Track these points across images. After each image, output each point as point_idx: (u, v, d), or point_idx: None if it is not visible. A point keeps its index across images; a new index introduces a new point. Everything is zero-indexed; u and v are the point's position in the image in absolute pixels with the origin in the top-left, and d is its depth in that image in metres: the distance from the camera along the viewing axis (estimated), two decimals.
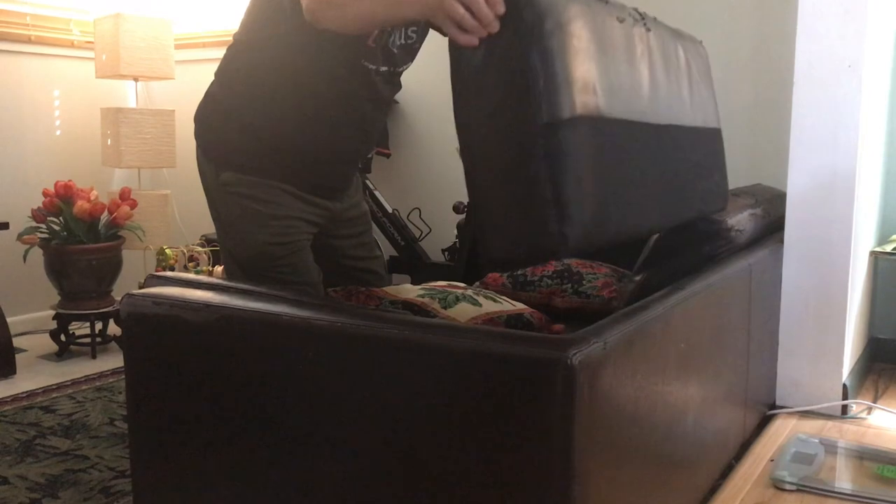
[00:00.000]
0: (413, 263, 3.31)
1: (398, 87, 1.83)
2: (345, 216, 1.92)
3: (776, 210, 2.34)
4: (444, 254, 3.32)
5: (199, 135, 1.87)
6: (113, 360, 3.24)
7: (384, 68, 1.72)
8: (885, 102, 2.74)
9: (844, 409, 2.35)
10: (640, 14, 1.52)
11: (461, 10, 1.21)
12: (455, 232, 3.10)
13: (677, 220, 1.62)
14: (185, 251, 3.38)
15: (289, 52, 1.65)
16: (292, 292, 1.52)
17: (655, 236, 1.83)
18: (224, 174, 1.79)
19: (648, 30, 1.51)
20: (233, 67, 1.78)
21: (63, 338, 3.32)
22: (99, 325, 3.36)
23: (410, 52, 1.80)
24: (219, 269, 3.39)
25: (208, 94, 1.86)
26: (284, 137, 1.72)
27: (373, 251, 2.04)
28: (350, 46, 1.63)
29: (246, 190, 1.76)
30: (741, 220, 2.01)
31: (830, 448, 2.07)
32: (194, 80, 4.10)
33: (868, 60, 2.28)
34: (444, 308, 1.54)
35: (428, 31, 1.80)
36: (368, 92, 1.73)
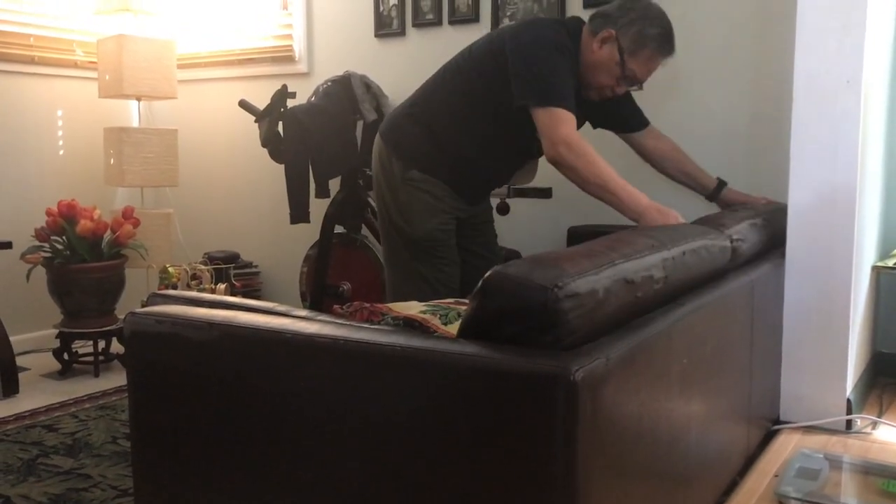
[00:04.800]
0: None
1: None
2: (475, 220, 2.51)
3: (777, 221, 2.34)
4: None
5: (393, 139, 2.38)
6: (115, 379, 3.24)
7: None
8: (885, 117, 2.75)
9: (849, 423, 2.34)
10: None
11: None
12: None
13: None
14: (187, 269, 3.39)
15: (479, 110, 2.25)
16: (291, 308, 1.52)
17: None
18: (411, 171, 2.32)
19: None
20: (438, 98, 2.33)
21: (66, 356, 3.32)
22: (102, 344, 3.36)
23: None
24: (221, 286, 3.39)
25: (408, 114, 2.38)
26: (461, 156, 2.29)
27: (491, 250, 2.58)
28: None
29: (426, 186, 2.32)
30: (741, 230, 2.01)
31: (835, 463, 2.06)
32: (197, 100, 4.14)
33: (867, 76, 2.29)
34: (445, 324, 1.55)
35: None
36: (522, 154, 2.40)
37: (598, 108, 2.38)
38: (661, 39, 2.19)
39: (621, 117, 2.50)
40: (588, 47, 2.22)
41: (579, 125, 2.38)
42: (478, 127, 2.25)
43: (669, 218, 2.02)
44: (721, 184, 2.52)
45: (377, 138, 2.45)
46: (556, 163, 2.11)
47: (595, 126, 2.52)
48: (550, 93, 2.11)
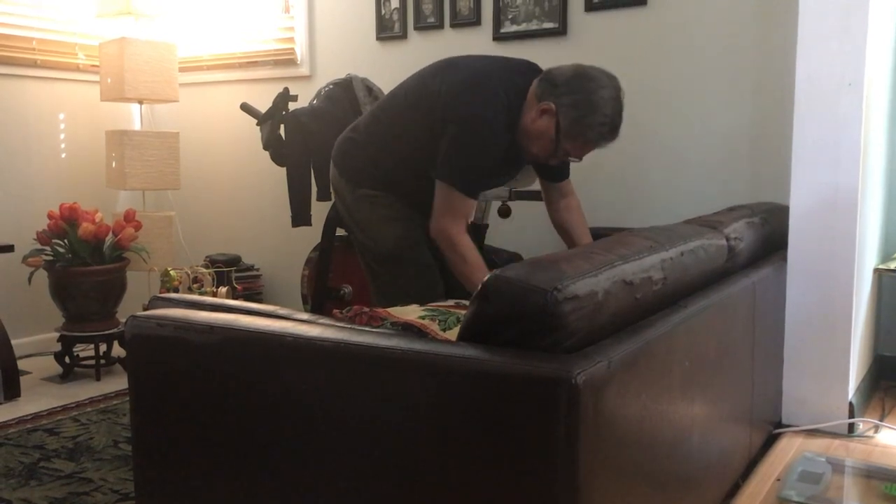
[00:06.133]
0: None
1: None
2: None
3: (775, 220, 2.34)
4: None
5: (340, 163, 2.43)
6: (117, 382, 3.24)
7: None
8: (886, 119, 2.75)
9: (851, 427, 2.34)
10: None
11: None
12: None
13: None
14: (189, 272, 3.39)
15: (414, 146, 2.24)
16: (293, 312, 1.52)
17: None
18: (360, 189, 2.36)
19: None
20: (377, 128, 2.34)
21: (67, 360, 3.32)
22: (103, 347, 3.36)
23: (511, 178, 2.43)
24: (223, 290, 3.39)
25: (352, 139, 2.41)
26: (402, 183, 2.31)
27: None
28: None
29: (378, 199, 2.34)
30: (738, 229, 2.01)
31: (837, 466, 2.06)
32: (198, 103, 4.14)
33: (868, 78, 2.28)
34: (444, 330, 1.55)
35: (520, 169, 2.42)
36: None
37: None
38: (601, 131, 2.06)
39: (550, 169, 2.40)
40: (529, 110, 2.12)
41: (514, 171, 2.37)
42: (413, 159, 2.23)
43: None
44: None
45: (331, 164, 2.47)
46: (438, 246, 2.21)
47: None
48: (459, 178, 2.13)
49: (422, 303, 2.13)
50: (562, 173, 2.43)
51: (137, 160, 3.60)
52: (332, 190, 2.48)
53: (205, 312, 1.53)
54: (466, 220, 2.19)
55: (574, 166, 2.43)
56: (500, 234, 3.12)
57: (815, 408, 2.37)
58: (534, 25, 3.17)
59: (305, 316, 1.49)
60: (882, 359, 2.86)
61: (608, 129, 2.07)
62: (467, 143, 2.12)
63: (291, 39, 3.81)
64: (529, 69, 2.21)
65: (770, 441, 2.28)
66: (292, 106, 3.23)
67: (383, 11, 3.55)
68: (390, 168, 2.32)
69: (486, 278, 1.27)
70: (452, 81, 2.16)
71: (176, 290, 3.29)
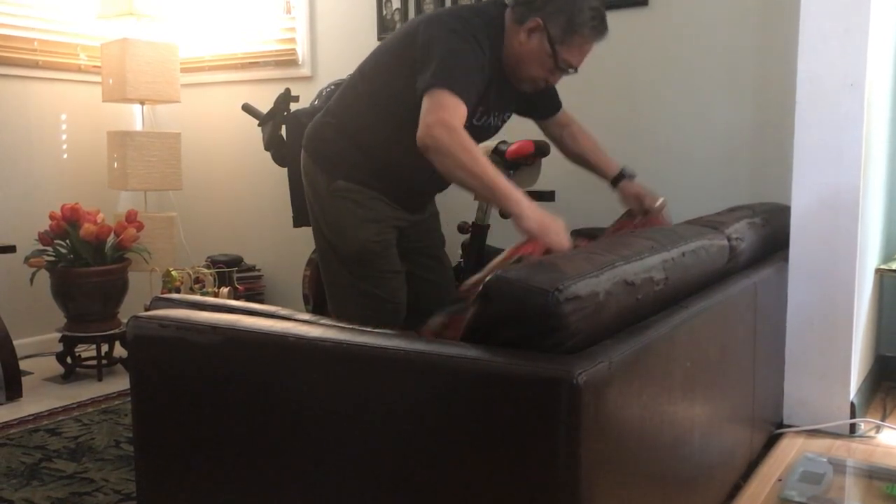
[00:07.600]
0: None
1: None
2: (420, 227, 2.34)
3: (777, 220, 2.34)
4: None
5: (315, 149, 2.25)
6: (119, 383, 3.24)
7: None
8: (888, 120, 2.74)
9: (852, 427, 2.34)
10: None
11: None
12: (460, 251, 3.10)
13: None
14: (190, 273, 3.39)
15: (404, 110, 1.99)
16: (294, 312, 1.52)
17: None
18: (336, 182, 2.17)
19: None
20: (355, 101, 2.18)
21: (69, 360, 3.32)
22: (105, 348, 3.36)
23: (498, 128, 2.24)
24: (224, 290, 3.39)
25: (326, 122, 2.23)
26: (386, 161, 2.14)
27: (436, 256, 2.43)
28: None
29: (355, 196, 2.16)
30: (739, 229, 2.01)
31: (839, 467, 2.06)
32: (200, 104, 4.15)
33: (870, 78, 2.28)
34: None
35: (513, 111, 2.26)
36: None
37: (520, 95, 2.19)
38: (593, 24, 2.00)
39: (542, 104, 2.31)
40: (514, 38, 2.04)
41: (502, 116, 2.22)
42: (401, 127, 2.01)
43: (552, 225, 1.80)
44: (620, 175, 2.32)
45: (302, 152, 2.29)
46: (429, 146, 1.84)
47: (519, 114, 2.36)
48: (443, 76, 1.89)
49: (383, 312, 2.10)
50: (553, 104, 2.33)
51: (139, 161, 3.61)
52: (303, 178, 2.29)
53: (206, 313, 1.53)
54: (462, 121, 1.87)
55: (574, 167, 2.43)
56: (501, 235, 3.11)
57: (817, 408, 2.37)
58: None
59: (307, 316, 1.49)
60: (883, 359, 2.86)
61: (599, 20, 2.02)
62: (442, 45, 1.94)
63: (293, 40, 3.81)
64: (497, 4, 2.13)
65: (771, 441, 2.28)
66: (294, 107, 3.23)
67: (384, 12, 3.55)
68: (374, 143, 2.14)
69: (487, 278, 1.27)
70: (429, 22, 2.05)
71: (177, 291, 3.30)
